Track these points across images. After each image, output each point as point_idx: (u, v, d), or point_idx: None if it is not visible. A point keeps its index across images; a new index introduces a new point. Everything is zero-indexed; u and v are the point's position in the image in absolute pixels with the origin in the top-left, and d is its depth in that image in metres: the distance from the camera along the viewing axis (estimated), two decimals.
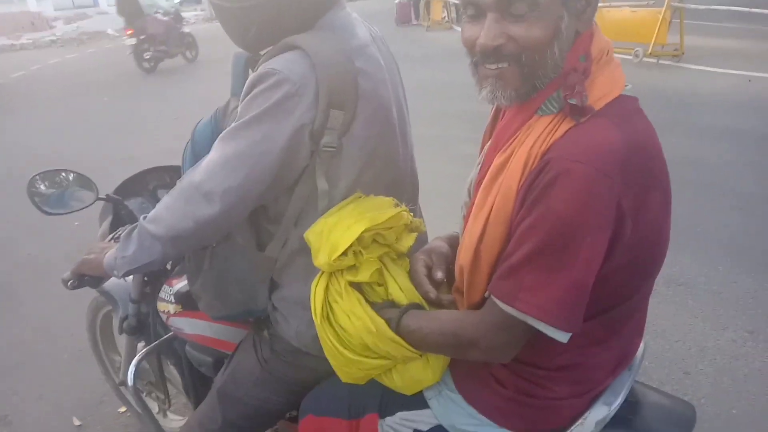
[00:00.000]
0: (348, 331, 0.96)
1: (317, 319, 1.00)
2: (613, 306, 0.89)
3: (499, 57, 0.83)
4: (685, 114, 5.43)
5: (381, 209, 1.01)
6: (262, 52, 1.10)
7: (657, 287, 3.15)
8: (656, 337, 2.49)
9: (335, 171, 1.06)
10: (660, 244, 0.89)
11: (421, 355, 0.98)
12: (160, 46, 10.15)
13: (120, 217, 1.54)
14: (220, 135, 1.04)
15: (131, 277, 1.53)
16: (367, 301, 0.99)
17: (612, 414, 0.96)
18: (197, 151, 1.18)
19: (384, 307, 0.98)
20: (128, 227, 1.25)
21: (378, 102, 1.09)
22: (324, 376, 1.17)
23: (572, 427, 0.95)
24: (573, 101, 0.80)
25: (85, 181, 1.44)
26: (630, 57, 8.12)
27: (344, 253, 0.97)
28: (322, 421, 1.14)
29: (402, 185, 1.21)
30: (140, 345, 1.77)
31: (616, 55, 0.88)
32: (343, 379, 1.03)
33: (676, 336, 2.52)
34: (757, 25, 9.50)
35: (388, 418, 1.07)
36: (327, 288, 1.00)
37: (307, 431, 1.17)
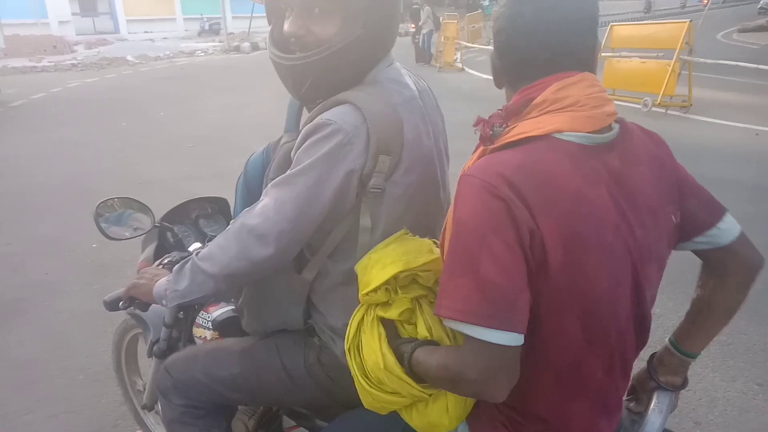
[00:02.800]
0: (366, 363, 1.01)
1: (346, 346, 1.06)
2: (549, 344, 0.91)
3: None
4: (692, 164, 5.39)
5: (420, 252, 1.06)
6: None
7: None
8: None
9: (378, 211, 1.13)
10: (586, 284, 0.88)
11: (430, 395, 0.99)
12: None
13: (164, 244, 1.61)
14: (274, 180, 1.11)
15: None
16: (396, 337, 1.02)
17: None
18: (249, 182, 1.28)
19: (404, 342, 1.01)
20: (178, 259, 1.32)
21: (420, 151, 1.17)
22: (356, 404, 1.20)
23: None
24: (477, 130, 0.95)
25: (143, 208, 1.54)
26: (639, 106, 8.29)
27: (377, 290, 1.02)
28: None
29: (440, 228, 1.27)
30: None
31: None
32: (365, 405, 1.07)
33: (687, 386, 2.54)
34: (764, 81, 9.70)
35: None
36: (362, 319, 1.06)
37: None
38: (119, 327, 2.04)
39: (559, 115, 0.91)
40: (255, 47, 20.31)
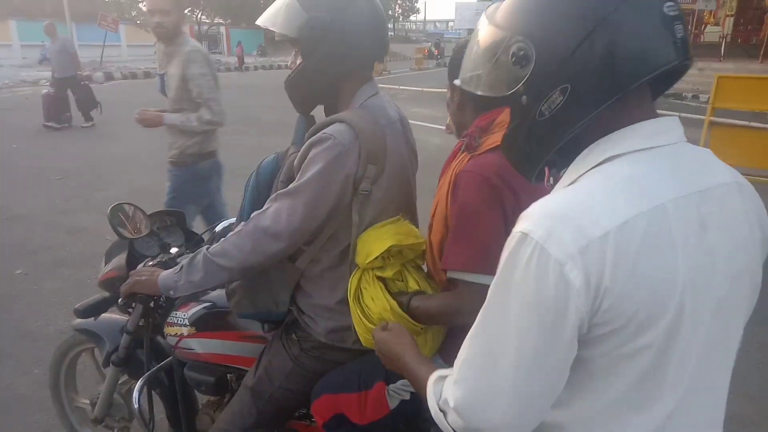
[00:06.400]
0: (370, 308, 1.32)
1: (350, 298, 1.35)
2: None
3: None
4: None
5: (409, 235, 1.39)
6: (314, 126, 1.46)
7: None
8: None
9: (365, 209, 1.42)
10: None
11: (422, 329, 1.32)
12: None
13: (134, 253, 1.73)
14: (285, 190, 1.36)
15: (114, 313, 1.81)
16: (388, 290, 1.35)
17: None
18: (260, 182, 1.51)
19: (399, 294, 1.35)
20: (166, 260, 1.51)
21: (399, 162, 1.48)
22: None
23: None
24: (465, 139, 1.35)
25: (144, 215, 1.73)
26: None
27: (376, 258, 1.33)
28: (336, 398, 1.43)
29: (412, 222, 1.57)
30: (121, 379, 1.91)
31: None
32: (364, 343, 1.36)
33: None
34: None
35: (392, 385, 1.39)
36: (360, 278, 1.36)
37: (320, 410, 1.44)
38: (61, 345, 2.06)
39: None
40: (109, 77, 19.21)
